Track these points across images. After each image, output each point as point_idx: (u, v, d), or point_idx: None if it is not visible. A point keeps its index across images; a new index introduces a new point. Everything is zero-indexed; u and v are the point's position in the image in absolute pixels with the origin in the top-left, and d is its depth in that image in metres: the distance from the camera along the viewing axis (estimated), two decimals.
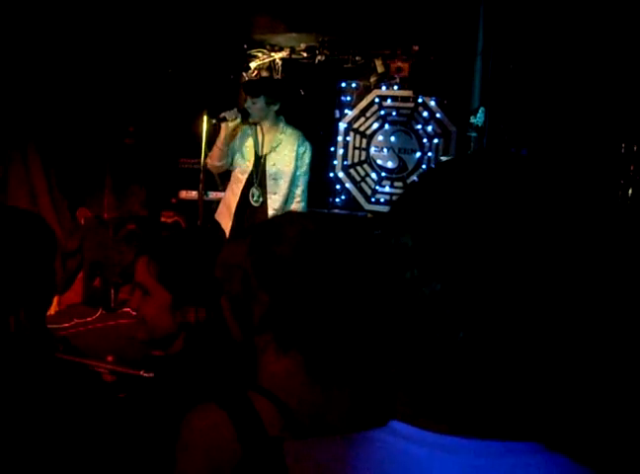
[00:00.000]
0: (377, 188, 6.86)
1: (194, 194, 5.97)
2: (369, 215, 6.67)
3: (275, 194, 4.40)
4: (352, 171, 6.97)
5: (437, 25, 5.45)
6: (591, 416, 0.59)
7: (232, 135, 4.36)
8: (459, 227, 0.58)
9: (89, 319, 5.25)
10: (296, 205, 4.43)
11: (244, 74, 6.99)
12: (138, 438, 1.31)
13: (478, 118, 4.17)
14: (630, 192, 4.58)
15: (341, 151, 6.92)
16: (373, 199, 6.88)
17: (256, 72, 6.99)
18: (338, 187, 6.95)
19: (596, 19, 4.74)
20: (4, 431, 1.16)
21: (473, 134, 4.17)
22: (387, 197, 6.81)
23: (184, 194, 6.23)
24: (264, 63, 6.92)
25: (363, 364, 1.18)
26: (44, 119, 5.56)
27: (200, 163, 5.60)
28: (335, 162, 6.94)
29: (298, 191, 4.45)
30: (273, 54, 6.86)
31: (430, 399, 0.62)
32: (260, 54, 6.87)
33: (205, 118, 5.29)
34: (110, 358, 4.31)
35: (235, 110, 4.26)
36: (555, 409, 0.58)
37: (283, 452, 0.68)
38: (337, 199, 6.93)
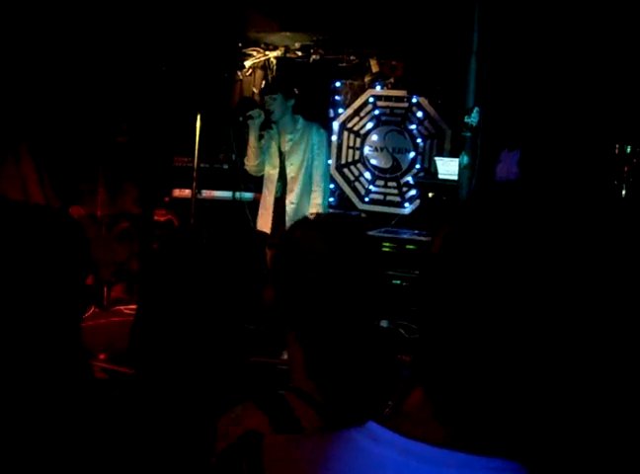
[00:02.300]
0: (371, 187, 6.87)
1: (187, 192, 5.96)
2: (363, 215, 6.67)
3: (292, 191, 4.67)
4: (345, 170, 6.97)
5: (431, 24, 5.45)
6: (578, 440, 0.59)
7: (260, 134, 4.67)
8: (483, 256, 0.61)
9: None
10: (315, 187, 4.67)
11: (238, 72, 6.98)
12: (136, 437, 1.31)
13: (472, 118, 4.17)
14: (624, 192, 4.60)
15: (335, 151, 6.92)
16: (367, 199, 6.88)
17: (250, 71, 6.99)
18: (331, 186, 6.94)
19: (590, 20, 4.74)
20: (7, 428, 1.16)
21: (467, 134, 4.17)
22: (381, 197, 6.82)
23: (177, 192, 6.22)
24: (258, 62, 6.92)
25: (361, 363, 1.19)
26: (37, 118, 5.54)
27: (193, 161, 5.60)
28: (329, 161, 6.93)
29: (317, 175, 4.69)
30: (267, 53, 6.85)
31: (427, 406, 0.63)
32: (254, 53, 6.86)
33: (199, 115, 5.30)
34: (102, 356, 4.30)
35: (258, 109, 4.62)
36: (544, 429, 0.58)
37: (262, 447, 0.70)
38: (330, 199, 6.93)
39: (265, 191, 4.81)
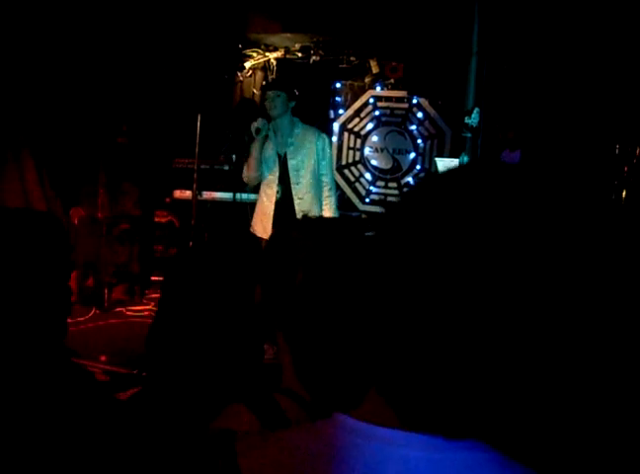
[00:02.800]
0: (371, 188, 6.87)
1: (187, 193, 5.97)
2: (363, 216, 6.67)
3: (298, 184, 4.61)
4: (346, 171, 6.97)
5: (431, 25, 5.45)
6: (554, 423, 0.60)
7: (263, 143, 4.64)
8: (455, 236, 0.59)
9: (82, 319, 5.23)
10: (327, 193, 4.65)
11: (238, 74, 6.99)
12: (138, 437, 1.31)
13: (473, 119, 4.17)
14: (624, 193, 4.60)
15: (335, 152, 6.93)
16: (368, 200, 6.89)
17: (250, 72, 6.99)
18: None
19: (590, 20, 4.75)
20: (6, 429, 1.16)
21: (468, 135, 4.17)
22: (381, 198, 6.82)
23: (178, 193, 6.22)
24: (258, 63, 6.92)
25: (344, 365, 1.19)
26: (37, 120, 5.54)
27: (194, 163, 5.61)
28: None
29: (326, 179, 4.67)
30: (267, 54, 6.86)
31: (390, 393, 0.64)
32: (255, 54, 6.87)
33: (199, 117, 5.30)
34: (103, 358, 4.31)
35: (260, 118, 4.57)
36: (514, 410, 0.59)
37: (235, 444, 0.71)
38: None
39: (263, 197, 4.71)
